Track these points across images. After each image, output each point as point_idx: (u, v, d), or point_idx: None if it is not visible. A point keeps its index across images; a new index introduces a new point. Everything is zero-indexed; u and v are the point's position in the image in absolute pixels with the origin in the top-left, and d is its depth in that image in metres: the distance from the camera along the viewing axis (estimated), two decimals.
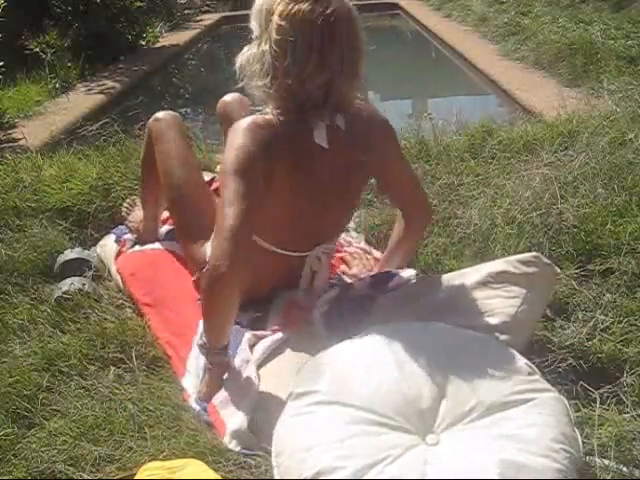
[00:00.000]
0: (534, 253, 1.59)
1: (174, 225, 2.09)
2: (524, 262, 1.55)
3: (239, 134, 1.46)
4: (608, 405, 1.45)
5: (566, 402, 1.32)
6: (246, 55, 1.51)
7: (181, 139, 2.00)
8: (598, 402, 1.45)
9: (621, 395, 1.48)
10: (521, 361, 1.37)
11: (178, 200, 1.95)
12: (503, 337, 1.45)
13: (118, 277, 2.06)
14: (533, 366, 1.38)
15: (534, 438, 1.18)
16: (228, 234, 1.36)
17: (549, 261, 1.59)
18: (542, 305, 1.61)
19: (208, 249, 1.65)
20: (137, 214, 2.24)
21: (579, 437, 1.26)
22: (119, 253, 2.17)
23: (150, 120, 2.03)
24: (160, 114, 2.02)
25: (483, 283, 1.55)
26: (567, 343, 1.63)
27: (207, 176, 2.68)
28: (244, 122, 1.48)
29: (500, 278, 1.54)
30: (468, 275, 1.64)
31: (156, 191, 2.04)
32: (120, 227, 2.30)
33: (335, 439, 1.18)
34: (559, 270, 1.67)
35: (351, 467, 1.13)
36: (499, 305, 1.50)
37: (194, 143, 3.08)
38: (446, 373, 1.29)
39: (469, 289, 1.56)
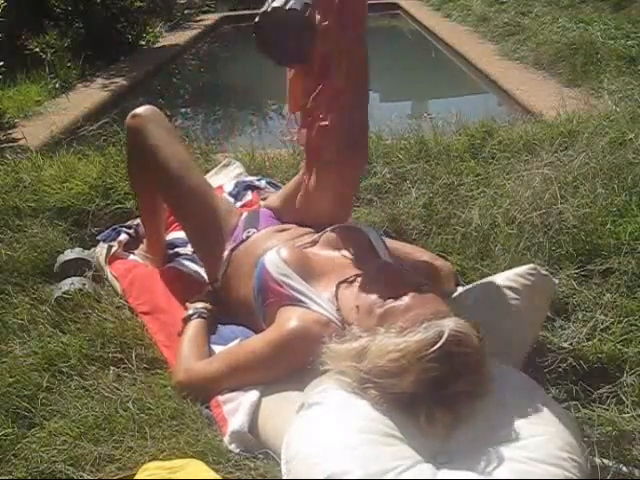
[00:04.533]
0: (532, 265, 1.60)
1: (180, 226, 2.07)
2: (522, 275, 1.56)
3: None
4: (608, 405, 1.45)
5: (571, 415, 1.32)
6: None
7: (167, 133, 1.89)
8: (598, 402, 1.45)
9: (621, 395, 1.48)
10: (523, 377, 1.37)
11: (176, 199, 1.89)
12: (499, 355, 1.43)
13: (116, 283, 2.06)
14: (536, 382, 1.38)
15: (542, 447, 1.18)
16: (203, 380, 1.53)
17: (547, 272, 1.60)
18: (541, 318, 1.62)
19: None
20: (143, 245, 2.22)
21: (585, 448, 1.26)
22: (115, 256, 2.16)
23: (128, 118, 1.88)
24: (138, 110, 1.88)
25: (482, 299, 1.55)
26: (567, 343, 1.63)
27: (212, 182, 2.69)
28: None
29: (499, 293, 1.54)
30: (468, 291, 1.64)
31: (151, 195, 1.97)
32: (106, 232, 2.30)
33: (347, 446, 1.18)
34: (557, 281, 1.67)
35: (362, 473, 1.13)
36: (498, 322, 1.50)
37: (195, 144, 3.10)
38: None
39: (469, 306, 1.55)
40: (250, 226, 1.83)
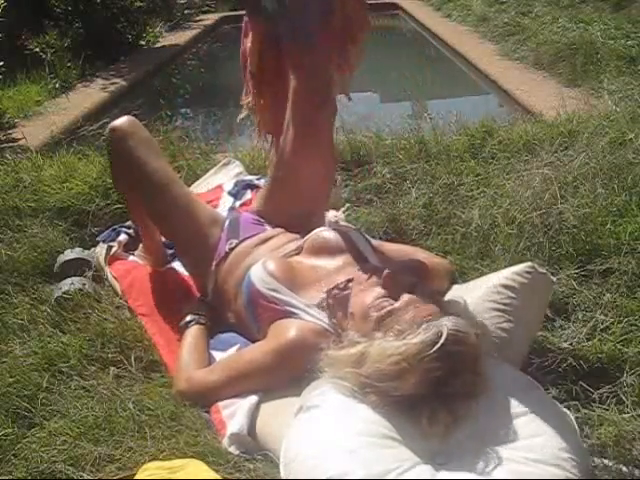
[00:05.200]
0: (529, 263, 1.60)
1: (166, 239, 2.05)
2: (520, 273, 1.56)
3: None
4: (608, 405, 1.45)
5: (571, 416, 1.32)
6: None
7: (147, 145, 1.84)
8: (598, 402, 1.45)
9: (621, 395, 1.48)
10: (523, 377, 1.37)
11: (160, 212, 1.85)
12: (498, 354, 1.43)
13: (116, 284, 2.05)
14: (535, 382, 1.38)
15: (541, 448, 1.18)
16: (204, 389, 1.53)
17: (544, 270, 1.60)
18: (539, 317, 1.61)
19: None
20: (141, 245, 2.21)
21: (586, 449, 1.26)
22: (115, 257, 2.16)
23: (107, 131, 1.86)
24: (116, 122, 1.83)
25: (480, 298, 1.55)
26: (567, 343, 1.63)
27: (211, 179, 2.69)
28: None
29: (497, 291, 1.54)
30: (466, 290, 1.64)
31: (139, 202, 1.92)
32: (105, 232, 2.30)
33: (346, 448, 1.18)
34: (555, 279, 1.68)
35: (361, 474, 1.13)
36: (495, 321, 1.50)
37: (195, 144, 3.10)
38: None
39: (468, 305, 1.54)
40: (232, 236, 1.81)
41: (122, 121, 1.84)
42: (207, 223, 1.84)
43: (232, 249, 1.77)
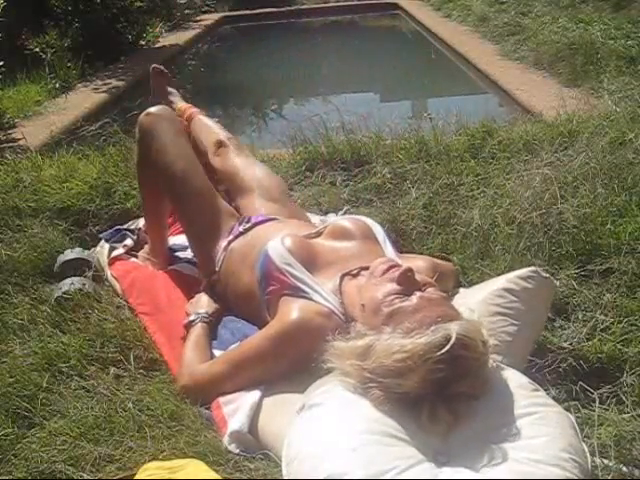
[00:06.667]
0: (532, 268, 1.60)
1: (180, 225, 2.08)
2: (523, 277, 1.56)
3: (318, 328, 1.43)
4: (608, 405, 1.45)
5: (572, 417, 1.32)
6: None
7: (177, 132, 1.96)
8: (598, 402, 1.45)
9: (621, 395, 1.48)
10: (524, 379, 1.37)
11: (181, 198, 1.92)
12: (501, 357, 1.43)
13: (116, 283, 2.06)
14: (535, 383, 1.38)
15: (542, 448, 1.18)
16: (207, 384, 1.53)
17: (547, 274, 1.60)
18: (541, 320, 1.61)
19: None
20: (145, 247, 2.22)
21: (586, 450, 1.26)
22: (115, 257, 2.16)
23: (141, 115, 1.96)
24: (152, 108, 1.96)
25: (484, 302, 1.55)
26: (567, 343, 1.63)
27: None
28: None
29: (500, 295, 1.54)
30: (470, 294, 1.64)
31: (157, 196, 2.00)
32: (108, 231, 2.30)
33: (348, 447, 1.18)
34: (557, 283, 1.67)
35: (362, 473, 1.12)
36: (499, 325, 1.50)
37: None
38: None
39: (470, 309, 1.54)
40: (245, 221, 1.86)
41: (157, 107, 1.98)
42: (224, 214, 1.91)
43: (247, 230, 1.81)
